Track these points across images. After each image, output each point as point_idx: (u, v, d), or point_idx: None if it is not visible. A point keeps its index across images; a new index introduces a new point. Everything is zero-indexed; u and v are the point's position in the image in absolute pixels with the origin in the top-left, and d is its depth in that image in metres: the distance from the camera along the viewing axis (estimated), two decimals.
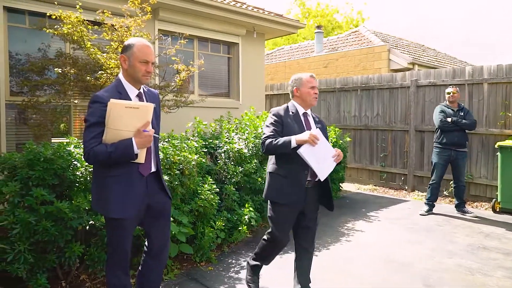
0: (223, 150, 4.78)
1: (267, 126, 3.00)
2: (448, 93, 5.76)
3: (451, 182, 6.13)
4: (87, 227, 3.10)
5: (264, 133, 2.99)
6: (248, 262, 3.30)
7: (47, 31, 4.78)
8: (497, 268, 3.87)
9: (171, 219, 3.49)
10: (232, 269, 3.78)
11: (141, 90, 2.49)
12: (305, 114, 3.09)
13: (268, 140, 2.89)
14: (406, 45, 13.27)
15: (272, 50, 17.11)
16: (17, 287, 3.09)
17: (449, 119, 5.58)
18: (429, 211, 5.93)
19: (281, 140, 2.83)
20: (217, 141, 4.89)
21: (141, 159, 2.31)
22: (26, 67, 5.51)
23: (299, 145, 2.76)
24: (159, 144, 3.15)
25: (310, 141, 2.73)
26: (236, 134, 5.08)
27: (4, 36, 5.39)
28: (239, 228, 4.30)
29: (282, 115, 3.00)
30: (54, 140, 5.23)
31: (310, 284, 3.16)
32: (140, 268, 2.69)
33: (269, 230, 3.09)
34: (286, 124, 2.96)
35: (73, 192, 3.11)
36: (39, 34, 5.52)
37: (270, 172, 3.02)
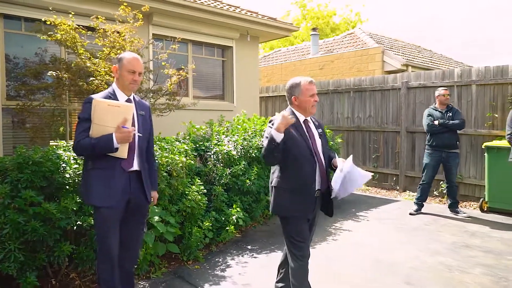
0: (212, 152, 4.90)
1: (266, 137, 2.71)
2: (443, 95, 5.82)
3: (442, 182, 6.23)
4: (75, 227, 3.23)
5: (263, 146, 2.76)
6: None
7: (42, 37, 4.93)
8: (476, 265, 3.98)
9: (159, 218, 3.62)
10: (218, 267, 3.90)
11: (131, 98, 2.78)
12: (305, 122, 2.91)
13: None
14: (402, 46, 13.37)
15: (270, 52, 17.24)
16: (8, 285, 3.23)
17: (436, 122, 5.69)
18: (418, 211, 6.04)
19: (266, 140, 2.67)
20: (208, 144, 5.01)
21: (123, 154, 2.57)
22: (22, 72, 5.65)
23: (301, 158, 2.70)
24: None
25: (282, 118, 2.56)
26: (226, 137, 5.20)
27: (0, 42, 5.54)
28: (227, 228, 4.42)
29: None
30: (52, 143, 5.37)
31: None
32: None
33: (290, 253, 2.87)
34: (286, 133, 2.67)
35: (62, 193, 3.24)
36: (35, 39, 5.67)
37: (274, 187, 2.85)
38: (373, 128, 8.27)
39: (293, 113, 2.86)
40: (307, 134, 2.84)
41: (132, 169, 2.69)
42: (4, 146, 5.54)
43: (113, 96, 2.69)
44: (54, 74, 4.81)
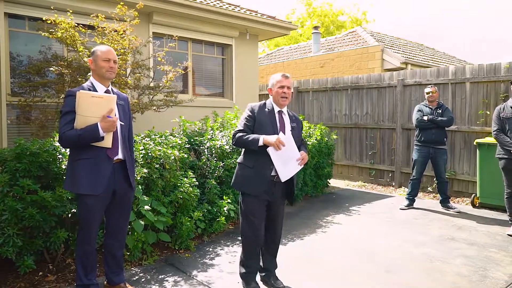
0: (206, 146, 5.07)
1: (241, 120, 3.14)
2: (428, 93, 5.98)
3: (435, 178, 6.35)
4: (70, 215, 3.42)
5: (237, 126, 3.15)
6: (241, 274, 3.29)
7: (43, 34, 5.14)
8: (457, 256, 4.11)
9: (150, 208, 3.81)
10: (208, 256, 4.08)
11: (109, 89, 2.94)
12: (280, 112, 3.17)
13: (239, 134, 3.05)
14: (403, 44, 13.44)
15: (272, 51, 17.39)
16: (7, 269, 3.44)
17: (425, 118, 5.81)
18: (409, 206, 6.16)
19: (250, 137, 2.99)
20: (202, 138, 5.18)
21: (107, 143, 2.74)
22: (26, 69, 5.87)
23: (266, 145, 2.94)
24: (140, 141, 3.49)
25: (275, 145, 2.90)
26: (220, 132, 5.37)
27: (5, 41, 5.77)
28: (218, 219, 4.59)
29: (256, 111, 3.12)
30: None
31: (276, 270, 3.44)
32: (103, 249, 3.17)
33: (242, 227, 3.20)
34: (258, 120, 3.07)
35: (58, 183, 3.44)
36: (37, 38, 5.88)
37: (239, 162, 3.20)
38: (370, 125, 8.39)
39: (271, 104, 3.18)
40: (277, 123, 3.11)
41: (117, 157, 2.87)
42: (9, 141, 5.76)
43: (92, 88, 2.85)
44: (55, 69, 5.01)
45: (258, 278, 3.37)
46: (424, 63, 11.41)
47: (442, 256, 4.12)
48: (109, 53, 2.88)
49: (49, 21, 5.03)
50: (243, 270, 3.25)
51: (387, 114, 8.12)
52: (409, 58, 11.16)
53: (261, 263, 3.40)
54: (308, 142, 6.59)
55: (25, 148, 3.28)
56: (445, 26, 60.16)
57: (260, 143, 2.95)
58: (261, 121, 3.08)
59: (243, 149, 3.20)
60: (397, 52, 11.22)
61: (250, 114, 3.13)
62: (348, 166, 8.89)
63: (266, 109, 3.16)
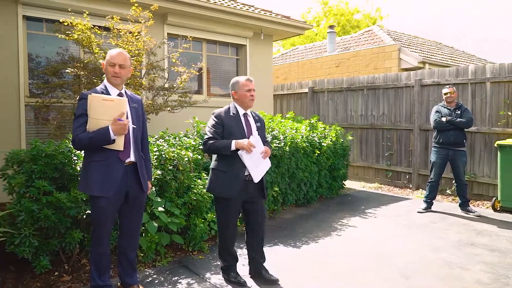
0: None
1: (209, 127, 3.29)
2: (446, 94, 5.85)
3: (454, 181, 6.20)
4: (85, 216, 3.44)
5: (206, 134, 3.30)
6: (221, 268, 3.57)
7: (60, 36, 5.20)
8: (477, 263, 3.99)
9: (163, 209, 3.81)
10: None
11: (123, 91, 2.94)
12: (245, 115, 3.37)
13: (210, 142, 3.22)
14: (421, 43, 13.21)
15: (287, 51, 17.30)
16: (23, 268, 3.48)
17: (443, 119, 5.68)
18: (427, 209, 6.03)
19: (223, 142, 3.17)
20: None
21: (119, 146, 2.75)
22: (43, 71, 5.95)
23: (237, 149, 3.14)
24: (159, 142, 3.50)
25: (247, 148, 3.12)
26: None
27: (23, 43, 5.86)
28: None
29: (223, 116, 3.29)
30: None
31: (265, 264, 3.60)
32: (117, 250, 3.20)
33: (218, 224, 3.46)
34: (226, 125, 3.25)
35: (73, 184, 3.46)
36: (54, 40, 5.95)
37: (212, 168, 3.35)
38: (387, 126, 8.26)
39: (235, 107, 3.35)
40: (244, 125, 3.30)
41: (129, 160, 2.87)
42: (28, 141, 5.84)
43: (105, 91, 2.87)
44: (72, 71, 5.06)
45: (244, 271, 3.60)
46: (443, 62, 11.19)
47: (461, 262, 4.01)
48: (115, 57, 2.86)
49: (66, 23, 5.08)
50: (222, 264, 3.51)
51: (404, 115, 7.98)
52: (427, 57, 10.95)
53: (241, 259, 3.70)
54: (323, 144, 6.53)
55: (41, 150, 3.32)
56: (447, 25, 58.83)
57: (233, 147, 3.13)
58: (229, 126, 3.24)
59: (215, 155, 3.35)
60: (415, 51, 11.03)
61: (218, 120, 3.27)
62: (364, 168, 8.77)
63: (231, 114, 3.32)
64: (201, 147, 4.82)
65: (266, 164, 3.34)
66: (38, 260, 3.27)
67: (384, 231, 5.07)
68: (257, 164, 3.22)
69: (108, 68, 2.86)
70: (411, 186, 7.84)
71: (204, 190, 4.24)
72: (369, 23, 26.60)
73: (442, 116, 5.74)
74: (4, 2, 5.68)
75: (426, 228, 5.18)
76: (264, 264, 3.58)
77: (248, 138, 3.22)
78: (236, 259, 3.56)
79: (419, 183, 7.74)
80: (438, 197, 6.94)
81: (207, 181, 3.43)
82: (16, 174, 3.29)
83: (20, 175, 3.26)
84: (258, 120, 3.47)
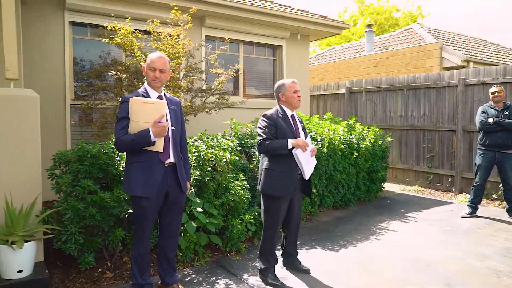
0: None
1: (262, 128, 3.40)
2: (493, 93, 5.58)
3: (501, 185, 5.91)
4: (127, 215, 3.54)
5: (259, 135, 3.41)
6: (259, 270, 3.58)
7: (103, 40, 5.39)
8: None
9: (202, 210, 3.86)
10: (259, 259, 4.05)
11: (162, 94, 3.01)
12: (292, 116, 3.52)
13: (267, 142, 3.32)
14: (464, 41, 12.70)
15: (323, 51, 17.11)
16: (69, 264, 3.63)
17: (490, 120, 5.42)
18: (472, 214, 5.78)
19: (279, 142, 3.29)
20: (253, 141, 5.18)
21: (159, 147, 2.81)
22: (87, 74, 6.19)
23: (293, 147, 3.27)
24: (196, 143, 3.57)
25: (303, 146, 3.27)
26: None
27: (69, 48, 6.12)
28: None
29: (275, 118, 3.41)
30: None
31: (298, 256, 3.84)
32: (157, 250, 3.29)
33: (265, 224, 3.52)
34: (279, 126, 3.37)
35: (116, 184, 3.57)
36: (98, 44, 6.18)
37: (265, 169, 3.42)
38: (428, 127, 7.99)
39: (282, 109, 3.48)
40: (293, 126, 3.45)
41: (168, 161, 2.92)
42: (73, 142, 6.11)
43: (145, 94, 2.93)
44: (114, 74, 5.23)
45: (277, 270, 3.63)
46: (488, 61, 10.70)
47: (510, 271, 3.81)
48: (155, 62, 2.90)
49: (109, 28, 5.26)
50: (262, 266, 3.53)
51: (446, 116, 7.69)
52: (471, 55, 10.51)
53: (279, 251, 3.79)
54: (361, 145, 6.40)
55: (87, 151, 3.44)
56: (492, 22, 55.89)
57: (290, 146, 3.26)
58: (281, 127, 3.37)
59: (267, 156, 3.44)
60: (458, 49, 10.61)
61: (270, 121, 3.39)
62: (404, 170, 8.53)
63: (280, 115, 3.45)
64: (238, 148, 4.85)
65: (314, 162, 3.50)
66: (83, 257, 3.40)
67: (426, 236, 4.90)
68: (308, 161, 3.38)
69: (149, 72, 2.92)
70: (453, 189, 7.54)
71: (242, 191, 4.27)
72: (409, 21, 25.86)
73: (488, 117, 5.48)
74: (52, 9, 5.96)
75: (471, 234, 4.96)
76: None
77: (298, 138, 3.38)
78: (276, 261, 3.59)
79: (463, 186, 7.43)
80: (483, 201, 6.63)
81: (259, 182, 3.49)
82: (63, 174, 3.44)
83: (67, 174, 3.40)
84: (301, 121, 3.65)
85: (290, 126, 3.43)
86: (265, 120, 3.41)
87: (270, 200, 3.44)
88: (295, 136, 3.40)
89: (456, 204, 6.66)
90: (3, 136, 3.23)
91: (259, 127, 3.44)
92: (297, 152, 3.28)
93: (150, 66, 2.91)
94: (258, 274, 3.60)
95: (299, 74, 8.72)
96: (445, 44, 10.63)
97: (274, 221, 3.45)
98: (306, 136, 3.56)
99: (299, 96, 3.48)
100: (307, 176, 3.43)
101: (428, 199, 7.09)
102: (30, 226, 3.20)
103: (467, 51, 10.92)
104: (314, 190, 5.42)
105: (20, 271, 3.07)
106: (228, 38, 6.43)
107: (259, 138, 3.39)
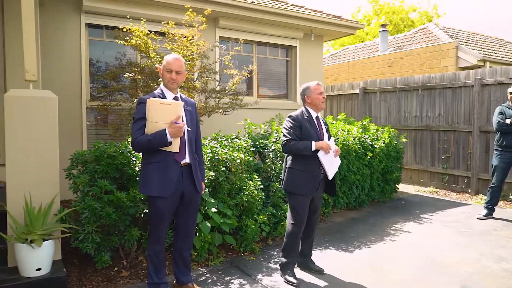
0: (271, 149, 5.08)
1: (287, 129, 3.50)
2: (511, 93, 5.49)
3: None
4: (142, 215, 3.59)
5: (284, 135, 3.50)
6: (280, 264, 3.67)
7: (119, 42, 5.46)
8: None
9: (216, 210, 3.88)
10: (272, 260, 4.07)
11: (178, 95, 3.05)
12: (317, 118, 3.60)
13: (291, 142, 3.42)
14: (481, 40, 12.50)
15: (337, 51, 17.02)
16: (86, 263, 3.69)
17: (508, 121, 5.33)
18: (488, 215, 5.69)
19: (303, 144, 3.38)
20: (266, 141, 5.20)
21: (175, 148, 2.85)
22: (103, 75, 6.27)
23: (317, 149, 3.37)
24: (210, 144, 3.61)
25: (326, 149, 3.38)
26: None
27: (85, 49, 6.22)
28: (283, 223, 4.57)
29: (300, 119, 3.50)
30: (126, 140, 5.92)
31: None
32: (172, 249, 3.31)
33: (290, 221, 3.59)
34: (304, 127, 3.47)
35: (132, 184, 3.62)
36: (114, 45, 6.27)
37: (289, 167, 3.53)
38: (443, 127, 7.89)
39: (307, 111, 3.55)
40: (317, 127, 3.54)
41: (184, 161, 2.95)
42: (88, 142, 6.20)
43: (162, 95, 2.97)
44: (129, 75, 5.29)
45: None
46: (505, 60, 10.52)
47: None
48: (172, 64, 2.94)
49: (125, 30, 5.32)
50: (284, 260, 3.60)
51: (462, 116, 7.59)
52: (488, 54, 10.34)
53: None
54: (375, 146, 6.36)
55: (103, 151, 3.50)
56: (509, 22, 54.73)
57: (313, 148, 3.35)
58: (306, 128, 3.46)
59: (290, 156, 3.54)
60: (474, 49, 10.46)
61: (296, 123, 3.48)
62: (418, 171, 8.44)
63: (305, 116, 3.53)
64: (252, 148, 4.87)
65: (338, 162, 3.57)
66: (100, 256, 3.46)
67: (441, 237, 4.85)
68: (331, 163, 3.47)
69: (165, 74, 2.96)
70: (469, 191, 7.43)
71: (256, 192, 4.29)
72: (425, 21, 25.54)
73: (506, 118, 5.40)
74: (69, 12, 6.06)
75: (487, 236, 4.89)
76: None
77: (322, 139, 3.48)
78: (297, 258, 3.69)
79: (479, 188, 7.32)
80: (500, 203, 6.53)
81: (282, 180, 3.60)
82: (81, 174, 3.50)
83: (84, 174, 3.46)
84: (325, 123, 3.71)
85: (315, 127, 3.51)
86: (291, 121, 3.51)
87: (293, 197, 3.53)
88: (319, 137, 3.48)
89: (472, 206, 6.57)
90: (23, 137, 3.30)
91: (284, 128, 3.54)
92: (320, 155, 3.37)
93: (167, 68, 2.94)
94: (279, 268, 3.68)
95: (312, 74, 8.69)
96: (461, 44, 10.48)
97: (298, 218, 3.52)
98: (329, 138, 3.62)
99: (323, 98, 3.57)
100: (330, 176, 3.52)
101: (443, 201, 7.00)
102: (49, 225, 3.27)
103: (484, 51, 10.75)
104: None
105: (38, 269, 3.13)
106: (242, 39, 6.45)
107: (284, 138, 3.48)
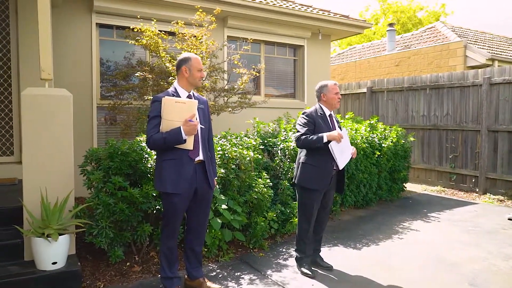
0: (279, 148, 5.13)
1: (301, 125, 3.62)
2: None
3: None
4: (154, 211, 3.66)
5: (298, 131, 3.63)
6: (295, 258, 3.86)
7: (130, 42, 5.54)
8: None
9: (226, 207, 3.95)
10: (282, 256, 4.13)
11: (191, 94, 3.13)
12: (330, 115, 3.73)
13: (304, 137, 3.53)
14: (489, 39, 12.44)
15: (344, 50, 17.02)
16: (99, 258, 3.77)
17: None
18: None
19: (315, 136, 3.48)
20: (275, 140, 5.25)
21: (189, 145, 2.91)
22: (113, 75, 6.36)
23: (329, 141, 3.44)
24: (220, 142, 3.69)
25: (338, 138, 3.43)
26: (293, 133, 5.40)
27: (96, 49, 6.31)
28: (291, 221, 4.62)
29: (314, 116, 3.63)
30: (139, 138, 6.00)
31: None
32: (184, 245, 3.38)
33: (301, 216, 3.73)
34: (318, 123, 3.60)
35: (144, 180, 3.70)
36: (124, 45, 6.36)
37: (302, 162, 3.65)
38: (451, 126, 7.89)
39: (321, 108, 3.69)
40: (330, 124, 3.67)
41: (198, 158, 3.01)
42: (99, 140, 6.30)
43: (175, 94, 3.04)
44: (140, 74, 5.37)
45: None
46: None
47: None
48: (200, 63, 3.08)
49: (135, 29, 5.40)
50: (298, 255, 3.78)
51: (470, 115, 7.59)
52: (496, 53, 10.30)
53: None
54: (383, 145, 6.39)
55: (117, 148, 3.57)
56: None
57: (325, 139, 3.43)
58: (319, 124, 3.59)
59: (304, 151, 3.67)
60: (482, 48, 10.42)
61: (310, 119, 3.61)
62: (426, 170, 8.44)
63: (319, 114, 3.66)
64: (261, 147, 4.93)
65: (349, 153, 3.65)
66: (113, 251, 3.54)
67: (449, 236, 4.87)
68: (342, 150, 3.55)
69: (196, 73, 3.04)
70: (477, 190, 7.43)
71: (265, 189, 4.34)
72: (432, 20, 25.40)
73: None
74: (81, 12, 6.16)
75: (495, 235, 4.91)
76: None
77: None
78: (310, 251, 3.82)
79: (487, 187, 7.31)
80: (509, 202, 6.53)
81: (296, 175, 3.71)
82: (95, 170, 3.58)
83: (98, 171, 3.54)
84: (337, 120, 3.86)
85: (328, 124, 3.63)
86: (305, 117, 3.62)
87: (305, 192, 3.64)
88: None
89: (480, 205, 6.57)
90: (39, 134, 3.38)
91: (298, 124, 3.66)
92: (331, 144, 3.45)
93: (198, 68, 3.04)
94: (294, 262, 3.85)
95: (320, 74, 8.73)
96: (469, 43, 10.46)
97: (309, 213, 3.64)
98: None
99: (339, 98, 3.70)
100: (341, 166, 3.59)
101: (451, 200, 7.01)
102: (64, 220, 3.35)
103: (492, 50, 10.71)
104: None
105: (54, 263, 3.21)
106: (250, 38, 6.51)
107: (297, 133, 3.59)
